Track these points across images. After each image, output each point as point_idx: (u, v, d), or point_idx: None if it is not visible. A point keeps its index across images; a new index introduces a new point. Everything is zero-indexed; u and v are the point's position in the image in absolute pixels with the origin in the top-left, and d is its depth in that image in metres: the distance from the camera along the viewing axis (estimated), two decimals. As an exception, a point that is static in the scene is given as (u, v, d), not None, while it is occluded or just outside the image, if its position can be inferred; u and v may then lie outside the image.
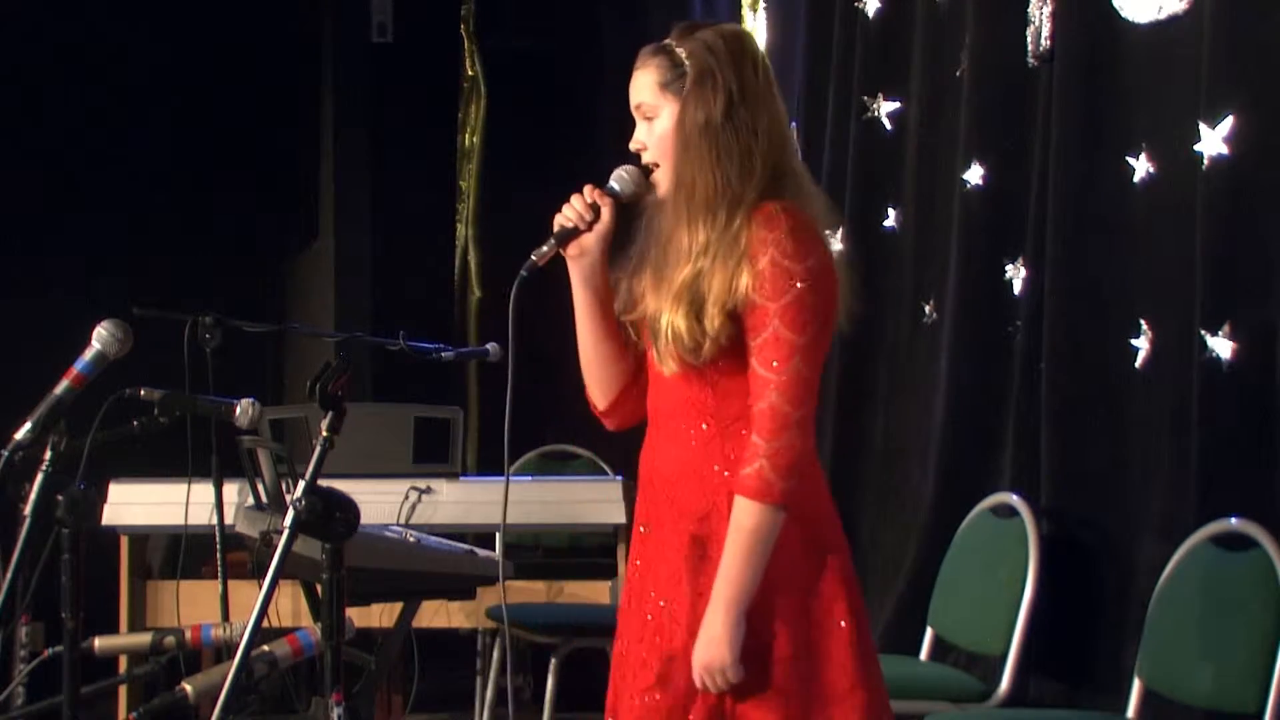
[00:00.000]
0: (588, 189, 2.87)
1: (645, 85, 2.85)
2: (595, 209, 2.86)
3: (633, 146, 2.89)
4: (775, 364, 2.73)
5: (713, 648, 2.72)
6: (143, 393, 3.49)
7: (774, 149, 2.82)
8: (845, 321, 2.86)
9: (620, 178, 2.88)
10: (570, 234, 2.86)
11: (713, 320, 2.74)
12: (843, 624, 2.78)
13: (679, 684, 2.80)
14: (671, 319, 2.76)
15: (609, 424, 3.00)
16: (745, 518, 2.72)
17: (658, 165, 2.85)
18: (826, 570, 2.81)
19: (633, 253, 2.91)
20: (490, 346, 4.65)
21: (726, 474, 2.78)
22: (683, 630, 2.80)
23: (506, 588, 5.16)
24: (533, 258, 2.84)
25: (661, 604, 2.83)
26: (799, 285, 2.73)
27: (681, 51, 2.83)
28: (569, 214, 2.86)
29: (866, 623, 2.85)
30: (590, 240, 2.87)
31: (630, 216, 2.90)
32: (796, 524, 2.77)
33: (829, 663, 2.78)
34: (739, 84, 2.80)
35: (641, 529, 2.91)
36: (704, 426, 2.81)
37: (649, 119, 2.85)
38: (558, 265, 2.90)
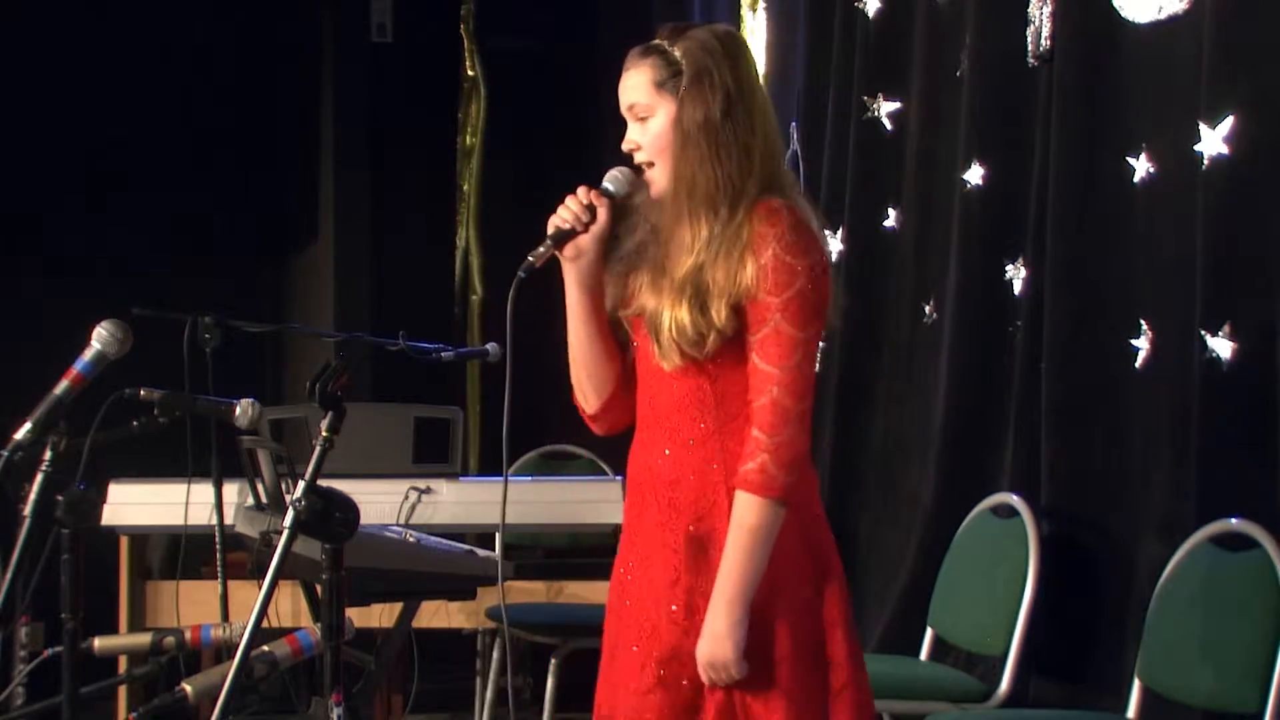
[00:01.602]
0: (582, 190, 2.88)
1: (639, 85, 2.86)
2: (591, 210, 2.86)
3: (625, 147, 2.90)
4: (777, 359, 2.74)
5: (717, 644, 2.72)
6: (143, 393, 3.49)
7: (770, 147, 2.85)
8: (836, 319, 2.87)
9: (614, 178, 2.89)
10: (567, 235, 2.87)
11: (719, 312, 2.75)
12: (838, 623, 2.81)
13: (685, 684, 2.80)
14: (674, 313, 2.77)
15: (598, 428, 3.00)
16: (747, 513, 2.73)
17: (652, 165, 2.86)
18: (823, 569, 2.83)
19: (624, 253, 2.91)
20: (490, 347, 4.65)
21: (725, 472, 2.78)
22: (681, 631, 2.80)
23: (506, 588, 5.19)
24: (529, 259, 2.84)
25: (659, 606, 2.83)
26: (800, 281, 2.75)
27: (676, 51, 2.84)
28: (565, 215, 2.87)
29: (854, 621, 2.87)
30: (586, 241, 2.88)
31: (620, 216, 2.91)
32: (795, 522, 2.78)
33: (827, 661, 2.80)
34: (736, 83, 2.82)
35: (632, 531, 2.92)
36: (702, 425, 2.81)
37: (642, 119, 2.86)
38: (555, 265, 2.90)
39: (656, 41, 2.87)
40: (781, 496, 2.73)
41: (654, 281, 2.83)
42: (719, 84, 2.80)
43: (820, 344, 2.85)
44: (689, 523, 2.81)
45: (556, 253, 2.87)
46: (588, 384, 2.95)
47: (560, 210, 2.87)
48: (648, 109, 2.85)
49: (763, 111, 2.85)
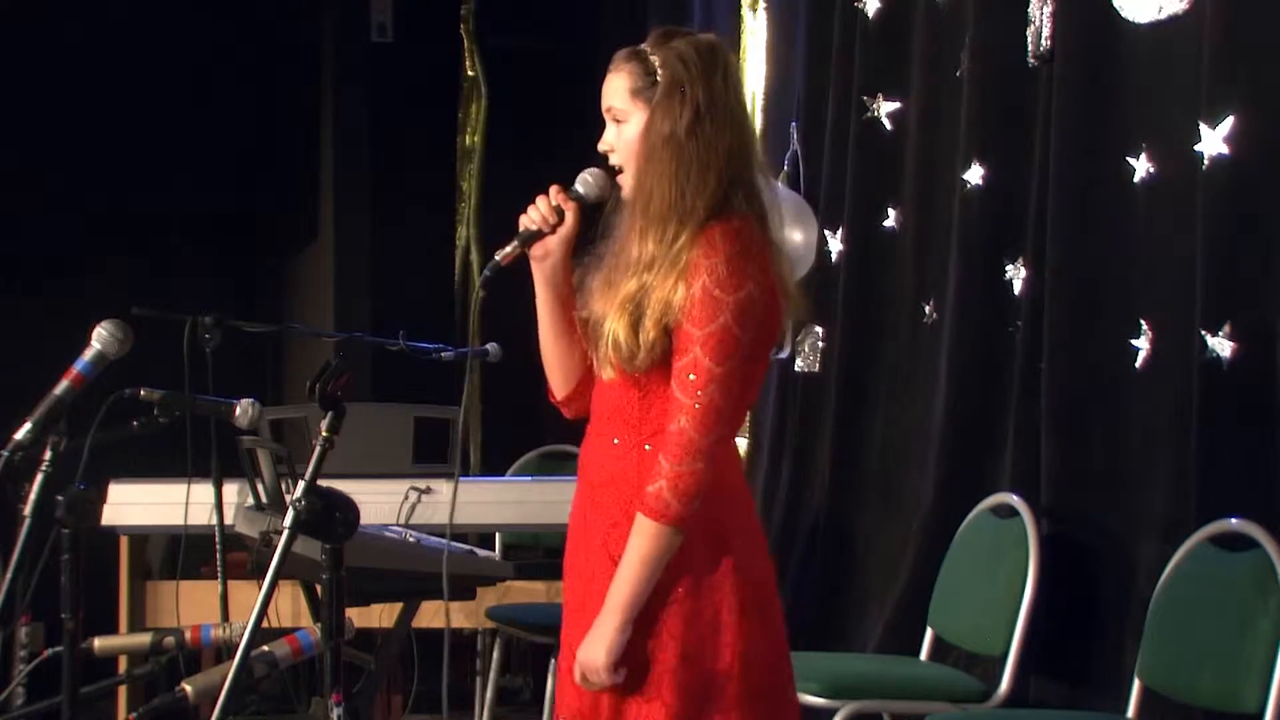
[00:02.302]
0: (553, 191, 2.92)
1: (617, 90, 2.88)
2: (559, 212, 2.91)
3: (601, 148, 2.94)
4: (691, 389, 2.78)
5: (591, 649, 2.80)
6: (143, 393, 3.49)
7: (734, 165, 2.84)
8: (786, 337, 2.91)
9: (585, 180, 2.93)
10: (534, 236, 2.92)
11: (648, 333, 2.80)
12: (730, 633, 2.82)
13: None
14: (613, 325, 2.82)
15: (567, 412, 3.07)
16: (641, 534, 2.79)
17: (622, 170, 2.89)
18: (721, 578, 2.85)
19: (598, 251, 2.96)
20: (490, 346, 4.66)
21: (637, 485, 2.83)
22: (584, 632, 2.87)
23: (506, 588, 5.19)
24: (496, 258, 2.91)
25: (578, 603, 2.92)
26: (724, 316, 2.77)
27: (655, 59, 2.85)
28: (534, 216, 2.92)
29: (767, 625, 2.88)
30: (554, 242, 2.93)
31: (596, 214, 2.94)
32: (699, 535, 2.82)
33: (717, 670, 2.82)
34: (708, 98, 2.83)
35: (571, 520, 2.99)
36: (628, 434, 2.87)
37: (619, 122, 2.89)
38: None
39: (641, 46, 2.90)
40: (675, 524, 2.77)
41: (602, 291, 2.88)
42: (689, 99, 2.82)
43: (755, 369, 2.84)
44: (603, 528, 2.88)
45: (525, 251, 2.91)
46: (556, 374, 3.03)
47: (530, 210, 2.92)
48: (623, 114, 2.88)
49: (734, 127, 2.85)
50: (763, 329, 2.82)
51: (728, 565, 2.85)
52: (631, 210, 2.86)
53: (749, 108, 2.95)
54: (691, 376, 2.77)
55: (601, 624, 2.80)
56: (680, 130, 2.81)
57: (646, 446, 2.84)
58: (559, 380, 3.03)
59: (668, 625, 2.81)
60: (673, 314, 2.78)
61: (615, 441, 2.88)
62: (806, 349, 5.49)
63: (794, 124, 5.70)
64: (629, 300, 2.81)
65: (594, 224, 2.96)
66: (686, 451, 2.77)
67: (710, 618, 2.83)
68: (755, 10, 6.02)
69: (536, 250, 2.92)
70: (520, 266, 2.96)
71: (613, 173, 2.91)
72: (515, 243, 2.91)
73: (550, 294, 2.96)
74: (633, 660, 2.80)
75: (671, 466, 2.77)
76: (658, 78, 2.84)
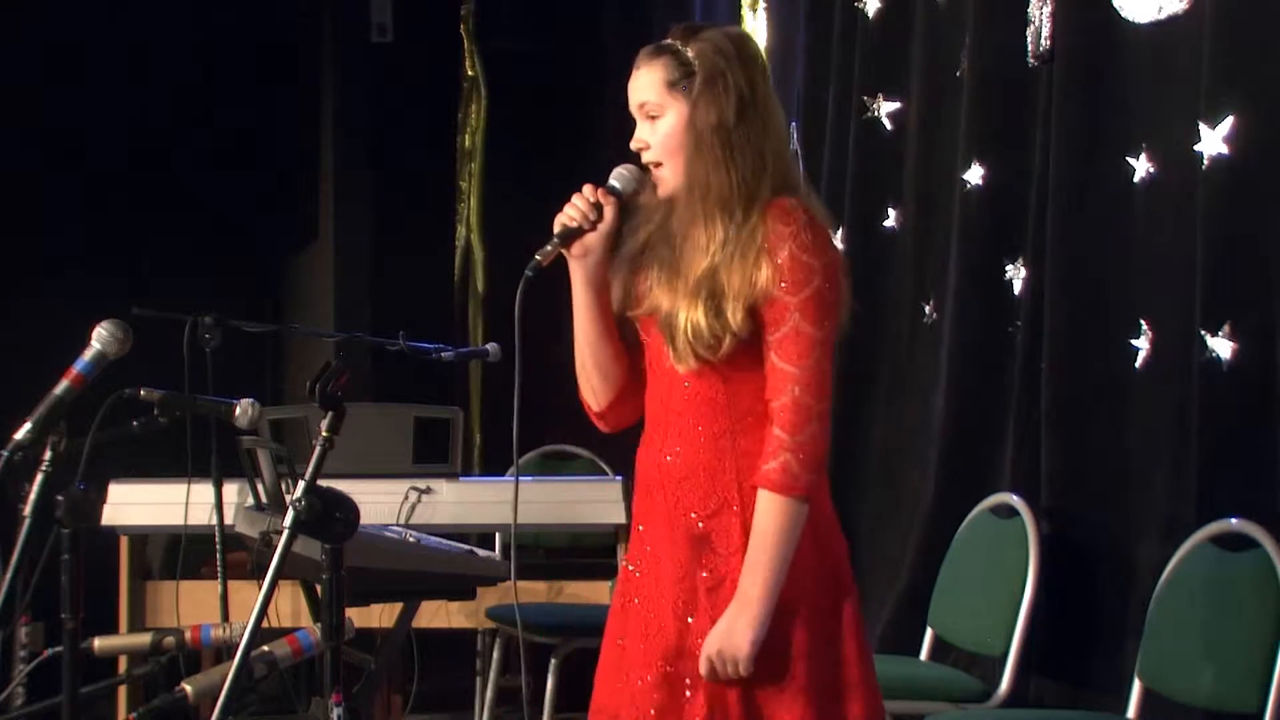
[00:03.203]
0: (589, 188, 2.88)
1: (650, 85, 2.86)
2: (598, 208, 2.87)
3: (634, 145, 2.90)
4: (797, 357, 2.75)
5: (733, 638, 2.73)
6: (143, 393, 3.49)
7: (782, 148, 2.86)
8: (847, 318, 2.88)
9: (621, 176, 2.89)
10: (574, 234, 2.87)
11: (734, 314, 2.76)
12: (852, 624, 2.82)
13: (688, 681, 2.80)
14: (690, 315, 2.78)
15: (604, 426, 3.01)
16: (770, 512, 2.74)
17: (660, 164, 2.86)
18: (837, 568, 2.84)
19: (627, 253, 2.92)
20: (490, 347, 4.65)
21: (737, 471, 2.79)
22: (686, 628, 2.81)
23: (507, 588, 5.18)
24: (537, 258, 2.84)
25: (666, 603, 2.84)
26: (817, 280, 2.76)
27: (689, 52, 2.84)
28: (572, 214, 2.87)
29: (866, 634, 2.89)
30: (594, 240, 2.88)
31: (624, 215, 2.91)
32: (810, 522, 2.79)
33: (842, 660, 2.81)
34: (749, 86, 2.83)
35: (640, 528, 2.92)
36: (715, 424, 2.81)
37: (653, 118, 2.86)
38: (557, 265, 2.90)
39: (669, 41, 2.87)
40: (804, 494, 2.74)
41: (668, 282, 2.83)
42: (732, 86, 2.81)
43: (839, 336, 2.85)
44: (698, 521, 2.82)
45: (564, 251, 2.87)
46: (597, 382, 2.95)
47: (567, 209, 2.87)
48: (658, 108, 2.85)
49: (774, 113, 2.86)
50: (842, 298, 2.82)
51: (831, 545, 2.84)
52: (688, 202, 2.83)
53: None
54: (794, 345, 2.74)
55: (742, 611, 2.73)
56: (729, 117, 2.80)
57: (738, 429, 2.80)
58: (599, 388, 2.95)
59: (799, 615, 2.78)
60: (759, 291, 2.75)
61: (700, 429, 2.82)
62: (806, 349, 5.48)
63: (794, 124, 5.70)
64: (701, 285, 2.77)
65: (621, 226, 2.93)
66: (805, 419, 2.74)
67: (830, 605, 2.81)
68: (755, 10, 6.02)
69: (576, 249, 2.87)
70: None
71: (646, 170, 2.88)
72: (554, 241, 2.85)
73: (592, 295, 2.90)
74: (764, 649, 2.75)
75: (791, 437, 2.73)
76: (694, 69, 2.83)
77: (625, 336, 2.96)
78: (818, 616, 2.80)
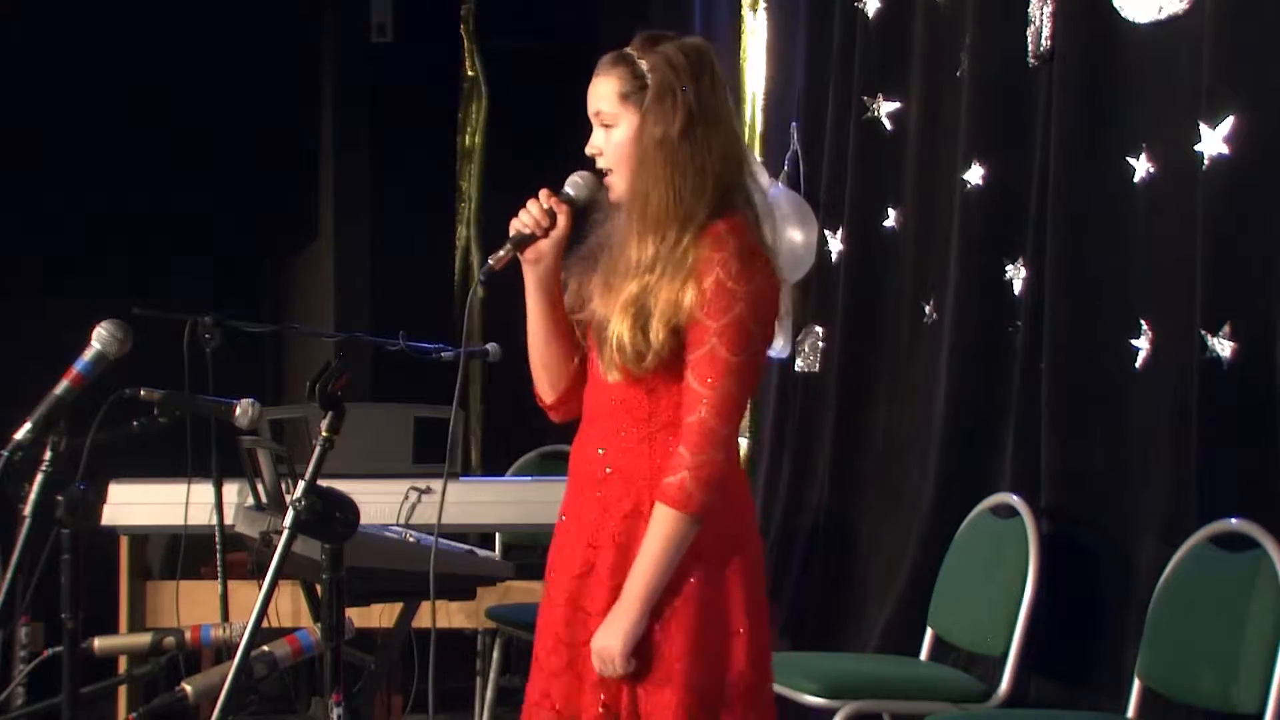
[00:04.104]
0: (543, 194, 2.94)
1: (605, 94, 2.91)
2: (551, 215, 2.93)
3: (589, 151, 2.96)
4: (709, 380, 2.81)
5: (609, 636, 2.83)
6: (143, 393, 3.48)
7: (728, 167, 2.88)
8: (784, 333, 2.93)
9: (575, 183, 2.95)
10: (527, 239, 2.93)
11: (657, 334, 2.82)
12: (740, 629, 2.87)
13: (588, 671, 2.89)
14: (618, 329, 2.84)
15: (554, 416, 3.10)
16: (662, 523, 2.82)
17: (611, 172, 2.90)
18: (731, 575, 2.89)
19: (584, 253, 2.99)
20: (490, 346, 4.66)
21: (649, 480, 2.86)
22: (591, 622, 2.90)
23: (506, 588, 5.18)
24: (489, 262, 2.92)
25: (574, 595, 2.94)
26: (739, 307, 2.81)
27: (644, 64, 2.88)
28: (526, 220, 2.93)
29: (765, 624, 2.93)
30: (546, 246, 2.95)
31: (583, 217, 2.95)
32: (711, 531, 2.85)
33: (726, 665, 2.86)
34: (699, 101, 2.86)
35: (563, 518, 3.02)
36: (634, 431, 2.89)
37: (607, 126, 2.91)
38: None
39: (628, 50, 2.91)
40: (696, 513, 2.82)
41: (605, 293, 2.90)
42: (681, 102, 2.85)
43: (763, 362, 2.93)
44: (616, 521, 2.90)
45: (518, 255, 2.92)
46: (544, 378, 3.05)
47: (521, 214, 2.94)
48: (612, 118, 2.91)
49: (725, 129, 2.89)
50: (767, 326, 2.86)
51: (738, 563, 2.89)
52: (628, 214, 2.89)
53: (740, 110, 2.96)
54: (709, 367, 2.80)
55: (620, 613, 2.83)
56: (674, 133, 2.84)
57: (656, 438, 2.86)
58: (547, 384, 3.05)
59: (678, 617, 2.84)
60: (682, 314, 2.81)
61: (622, 434, 2.89)
62: (806, 349, 5.49)
63: (794, 124, 5.70)
64: (631, 303, 2.84)
65: (581, 227, 2.98)
66: (708, 440, 2.80)
67: (720, 613, 2.86)
68: (755, 10, 6.02)
69: (529, 254, 2.94)
70: (516, 269, 2.96)
71: (600, 175, 2.93)
72: (508, 246, 2.92)
73: (542, 297, 2.98)
74: (643, 649, 2.83)
75: (693, 456, 2.80)
76: (647, 81, 2.86)
77: (575, 337, 3.03)
78: (700, 620, 2.85)
